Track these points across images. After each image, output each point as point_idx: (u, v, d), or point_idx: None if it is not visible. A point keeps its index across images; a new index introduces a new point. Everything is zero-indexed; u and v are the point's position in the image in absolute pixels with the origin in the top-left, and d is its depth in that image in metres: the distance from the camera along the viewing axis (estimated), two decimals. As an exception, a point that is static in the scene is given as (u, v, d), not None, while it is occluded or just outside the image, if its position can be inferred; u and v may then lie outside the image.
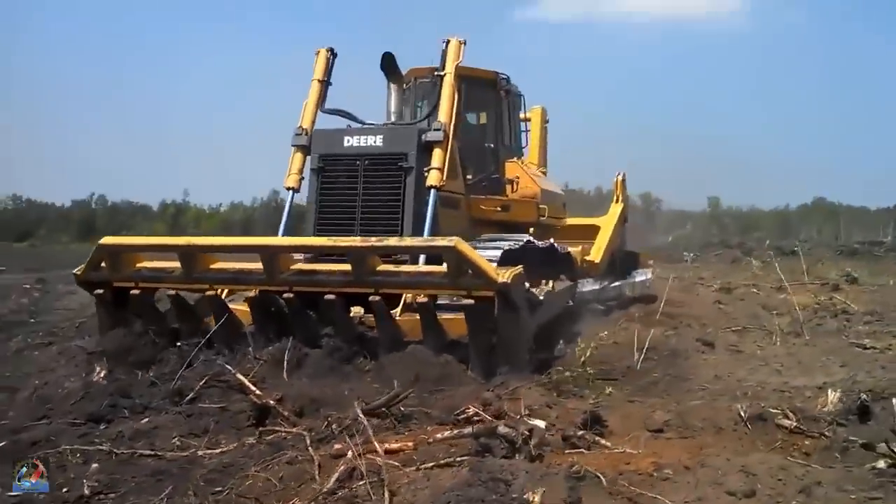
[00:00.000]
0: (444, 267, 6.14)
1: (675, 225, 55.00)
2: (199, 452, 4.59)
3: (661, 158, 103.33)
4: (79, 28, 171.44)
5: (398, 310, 6.61)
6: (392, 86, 8.90)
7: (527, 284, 6.34)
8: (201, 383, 5.57)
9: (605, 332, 8.02)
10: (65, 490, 4.04)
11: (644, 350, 7.46)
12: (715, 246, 32.97)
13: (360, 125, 8.39)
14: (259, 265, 6.56)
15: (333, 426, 4.43)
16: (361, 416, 4.21)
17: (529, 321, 6.41)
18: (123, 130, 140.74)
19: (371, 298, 6.24)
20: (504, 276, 5.88)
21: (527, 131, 11.31)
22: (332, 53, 8.58)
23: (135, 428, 5.05)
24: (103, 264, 7.18)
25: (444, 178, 7.57)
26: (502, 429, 4.13)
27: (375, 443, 3.92)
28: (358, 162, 7.77)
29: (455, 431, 4.20)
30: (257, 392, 5.17)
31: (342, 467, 3.83)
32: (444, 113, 7.74)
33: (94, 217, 65.41)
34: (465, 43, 8.05)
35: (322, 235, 7.51)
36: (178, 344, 6.64)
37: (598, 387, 6.28)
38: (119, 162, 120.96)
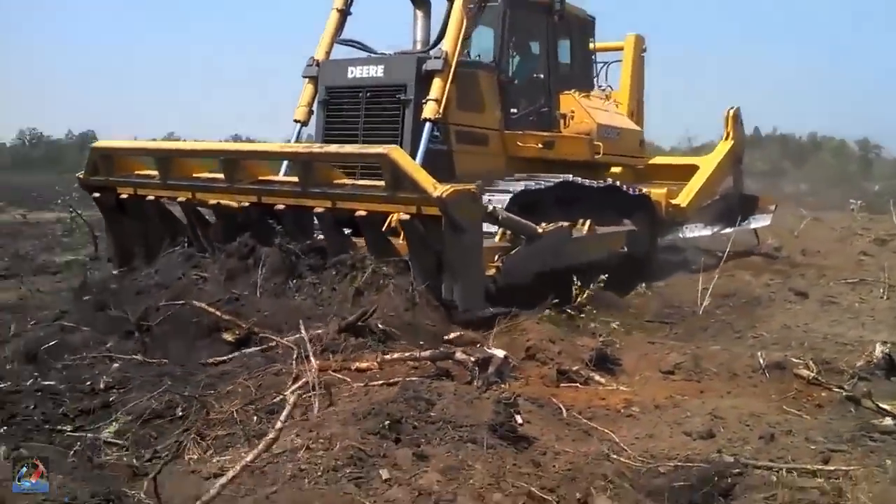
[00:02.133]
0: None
1: (896, 174, 49.78)
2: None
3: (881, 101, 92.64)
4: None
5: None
6: (418, 13, 8.25)
7: (490, 207, 5.89)
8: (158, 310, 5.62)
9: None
10: (88, 383, 4.67)
11: (708, 295, 7.18)
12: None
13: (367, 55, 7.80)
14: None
15: (317, 344, 4.71)
16: (306, 337, 4.44)
17: (480, 246, 5.80)
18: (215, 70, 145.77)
19: (316, 210, 5.99)
20: (441, 190, 5.33)
21: (600, 62, 10.21)
22: None
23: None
24: (99, 169, 7.19)
25: (442, 110, 6.91)
26: (459, 355, 4.24)
27: (314, 361, 4.16)
28: (360, 94, 7.35)
29: (407, 354, 4.38)
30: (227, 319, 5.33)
31: (302, 380, 4.15)
32: (450, 40, 7.07)
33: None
34: None
35: None
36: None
37: (620, 327, 6.18)
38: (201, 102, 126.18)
